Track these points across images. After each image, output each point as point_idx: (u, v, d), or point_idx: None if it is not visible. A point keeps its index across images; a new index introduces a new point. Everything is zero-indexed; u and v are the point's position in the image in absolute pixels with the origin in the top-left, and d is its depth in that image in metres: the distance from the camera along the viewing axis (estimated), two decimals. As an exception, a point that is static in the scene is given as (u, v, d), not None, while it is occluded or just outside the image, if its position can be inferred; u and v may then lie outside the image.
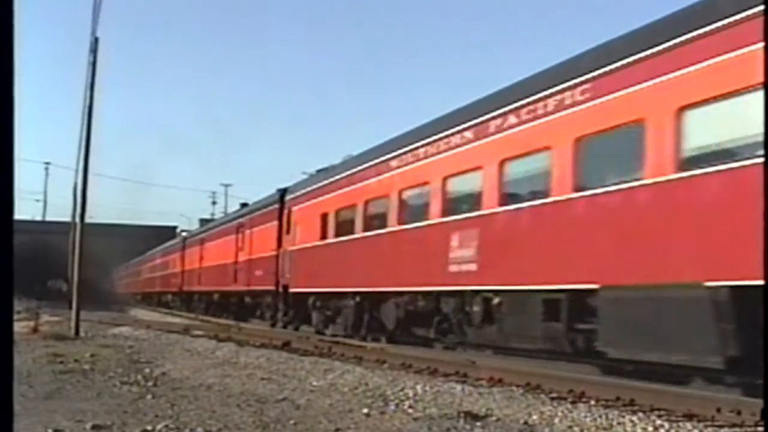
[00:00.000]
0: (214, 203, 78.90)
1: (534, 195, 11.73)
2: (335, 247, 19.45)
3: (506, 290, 12.18)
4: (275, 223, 25.20)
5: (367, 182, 17.97)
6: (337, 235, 19.41)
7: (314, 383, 9.59)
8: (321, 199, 20.96)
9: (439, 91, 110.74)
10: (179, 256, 45.15)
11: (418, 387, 9.14)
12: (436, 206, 14.42)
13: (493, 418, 7.13)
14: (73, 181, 29.01)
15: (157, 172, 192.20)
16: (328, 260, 19.86)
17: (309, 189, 22.48)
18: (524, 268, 11.63)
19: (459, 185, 14.00)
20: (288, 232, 23.64)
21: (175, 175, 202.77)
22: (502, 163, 12.50)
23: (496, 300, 12.55)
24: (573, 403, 8.18)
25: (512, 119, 12.35)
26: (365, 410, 7.36)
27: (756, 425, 6.79)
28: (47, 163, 78.09)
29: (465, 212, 13.46)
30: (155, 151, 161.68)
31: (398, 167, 16.28)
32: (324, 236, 20.30)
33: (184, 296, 43.44)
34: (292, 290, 22.85)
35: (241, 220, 31.36)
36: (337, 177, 20.11)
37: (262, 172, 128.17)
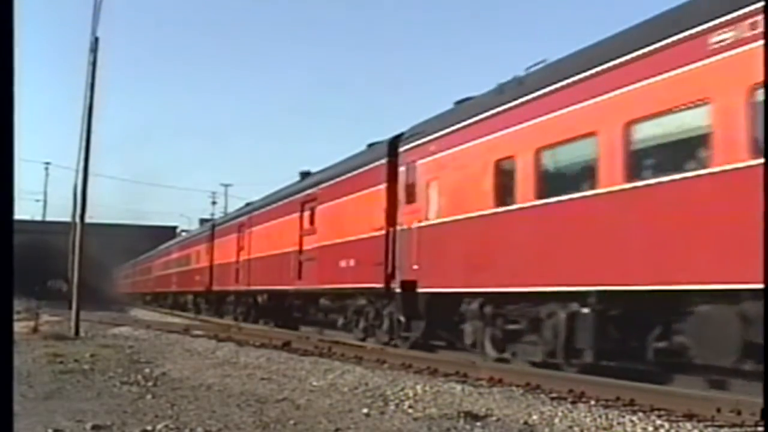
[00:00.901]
0: (214, 203, 79.15)
1: None
2: (538, 215, 11.24)
3: None
4: (381, 188, 16.65)
5: (636, 86, 9.47)
6: (543, 193, 11.14)
7: (314, 383, 9.59)
8: (496, 135, 12.40)
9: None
10: (206, 248, 36.43)
11: (418, 387, 9.14)
12: None
13: (493, 418, 7.13)
14: (73, 181, 28.93)
15: (157, 172, 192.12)
16: (515, 239, 11.79)
17: (462, 124, 13.62)
18: None
19: None
20: (411, 199, 15.26)
21: (176, 175, 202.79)
22: None
23: None
24: (573, 403, 8.19)
25: None
26: (365, 410, 7.36)
27: (756, 425, 6.79)
28: (47, 163, 78.37)
29: None
30: (155, 150, 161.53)
31: (753, 40, 7.86)
32: (504, 198, 12.12)
33: (213, 297, 35.24)
34: (423, 289, 14.57)
35: (310, 191, 21.96)
36: (543, 90, 11.37)
37: (262, 172, 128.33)
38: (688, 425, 6.94)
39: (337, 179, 19.86)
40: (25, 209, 75.51)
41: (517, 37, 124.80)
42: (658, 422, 6.99)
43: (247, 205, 31.81)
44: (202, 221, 58.83)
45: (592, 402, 8.26)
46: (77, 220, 21.69)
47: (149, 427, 6.14)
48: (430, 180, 14.57)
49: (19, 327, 18.24)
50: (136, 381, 9.37)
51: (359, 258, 17.53)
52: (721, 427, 6.92)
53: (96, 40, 19.37)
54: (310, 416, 6.95)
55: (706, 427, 6.92)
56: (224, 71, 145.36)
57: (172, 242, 53.05)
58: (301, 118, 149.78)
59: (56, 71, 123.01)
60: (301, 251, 21.96)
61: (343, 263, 18.51)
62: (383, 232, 16.32)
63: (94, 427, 6.12)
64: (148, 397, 8.00)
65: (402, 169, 15.87)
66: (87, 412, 6.82)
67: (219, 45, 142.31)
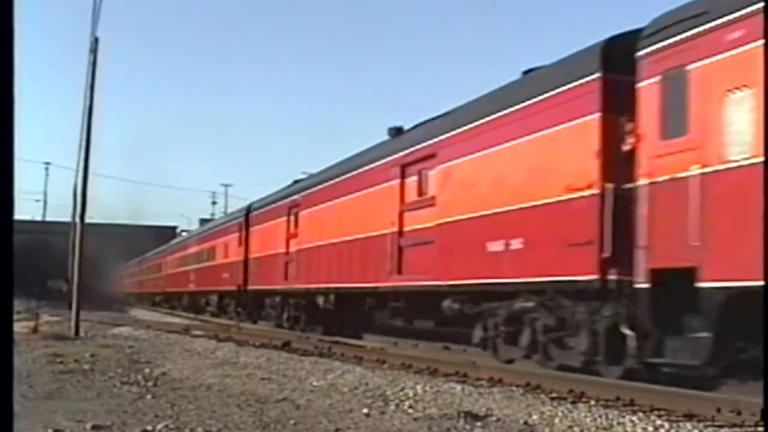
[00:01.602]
0: (214, 203, 79.18)
1: None
2: None
3: None
4: (588, 121, 10.39)
5: None
6: None
7: (314, 383, 9.59)
8: None
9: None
10: (238, 238, 29.81)
11: (418, 387, 9.13)
12: None
13: (493, 418, 7.12)
14: (73, 181, 28.88)
15: (156, 172, 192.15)
16: None
17: None
18: None
19: None
20: (672, 131, 9.15)
21: (175, 175, 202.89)
22: None
23: None
24: (573, 403, 8.18)
25: None
26: (365, 410, 7.36)
27: (756, 425, 6.79)
28: (47, 163, 78.17)
29: None
30: (155, 150, 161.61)
31: None
32: None
33: (247, 299, 28.62)
34: (714, 283, 8.22)
35: (417, 147, 15.59)
36: None
37: (262, 172, 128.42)
38: (688, 425, 6.94)
39: (477, 123, 13.28)
40: (25, 209, 75.50)
41: (516, 33, 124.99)
42: (658, 422, 6.99)
43: (296, 182, 25.72)
44: (202, 221, 58.81)
45: (592, 402, 8.25)
46: (77, 220, 21.69)
47: (149, 427, 6.14)
48: (730, 91, 8.38)
49: (19, 327, 18.22)
50: (136, 381, 9.38)
51: (533, 236, 11.52)
52: (721, 427, 6.91)
53: (96, 40, 19.39)
54: (310, 416, 6.96)
55: (706, 427, 6.91)
56: (224, 71, 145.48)
57: (188, 235, 48.89)
58: (302, 117, 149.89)
59: (56, 71, 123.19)
60: (400, 233, 15.91)
61: (495, 246, 12.32)
62: (595, 191, 10.18)
63: (94, 427, 6.12)
64: (148, 397, 8.00)
65: (649, 83, 9.60)
66: (87, 412, 6.83)
67: (219, 45, 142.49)
